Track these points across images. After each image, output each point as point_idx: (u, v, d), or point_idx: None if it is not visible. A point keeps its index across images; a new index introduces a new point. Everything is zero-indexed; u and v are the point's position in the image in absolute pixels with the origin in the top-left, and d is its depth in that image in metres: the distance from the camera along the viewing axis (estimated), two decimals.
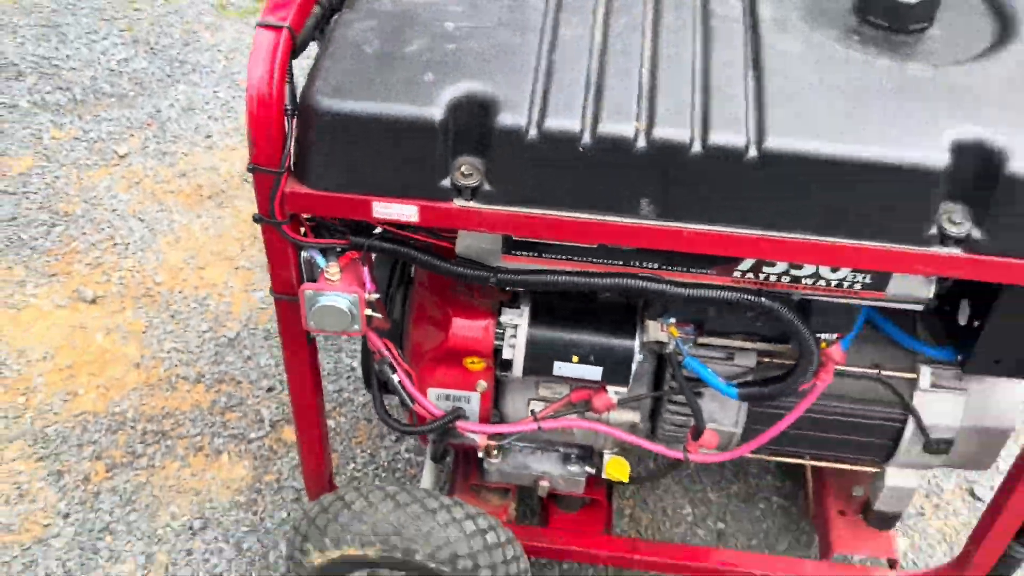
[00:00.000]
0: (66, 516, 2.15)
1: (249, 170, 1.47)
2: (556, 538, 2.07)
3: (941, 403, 1.83)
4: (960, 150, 1.39)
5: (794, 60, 1.52)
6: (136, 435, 2.29)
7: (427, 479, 2.08)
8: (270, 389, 2.40)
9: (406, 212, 1.47)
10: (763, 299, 1.58)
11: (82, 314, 2.52)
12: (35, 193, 2.77)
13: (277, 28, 1.45)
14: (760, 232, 1.46)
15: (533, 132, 1.38)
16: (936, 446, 1.84)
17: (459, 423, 1.79)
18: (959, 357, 1.76)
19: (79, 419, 2.31)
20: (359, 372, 2.43)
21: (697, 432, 1.79)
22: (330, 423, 2.27)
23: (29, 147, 2.91)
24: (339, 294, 1.56)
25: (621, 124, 1.40)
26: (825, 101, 1.47)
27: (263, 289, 2.58)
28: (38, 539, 2.11)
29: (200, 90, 3.11)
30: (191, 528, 2.15)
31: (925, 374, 1.81)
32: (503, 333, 1.75)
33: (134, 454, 2.26)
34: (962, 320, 1.73)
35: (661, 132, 1.39)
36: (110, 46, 3.27)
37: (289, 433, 2.31)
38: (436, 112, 1.38)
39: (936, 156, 1.39)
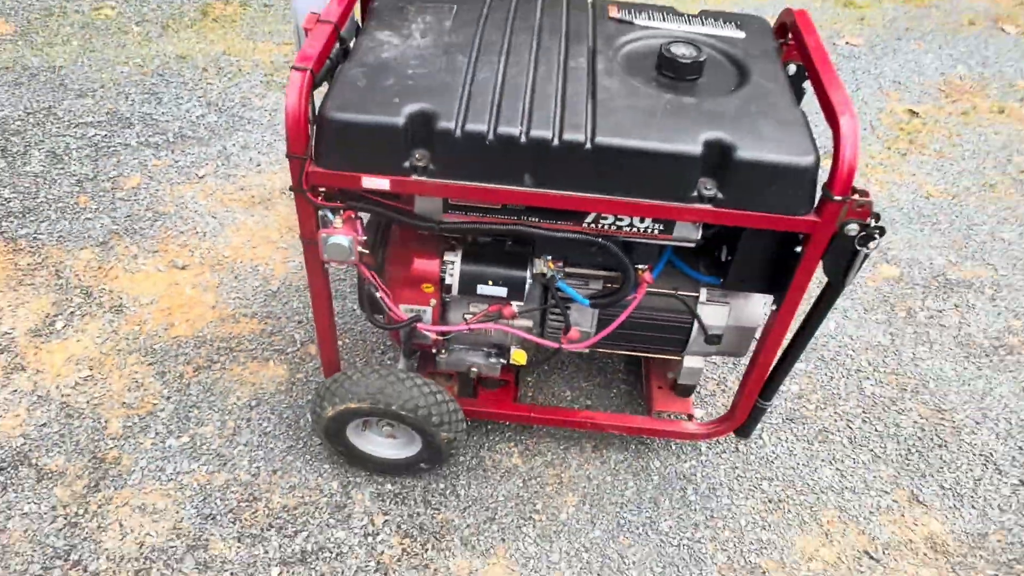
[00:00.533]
0: (168, 398, 2.32)
1: (287, 157, 1.60)
2: (482, 405, 2.16)
3: (713, 310, 1.93)
4: (708, 145, 1.54)
5: (614, 93, 1.64)
6: (213, 350, 2.46)
7: (399, 363, 2.15)
8: (299, 322, 2.56)
9: (381, 183, 1.62)
10: (600, 240, 1.73)
11: (175, 276, 2.69)
12: (142, 200, 2.94)
13: (303, 70, 1.57)
14: (594, 195, 1.60)
15: (459, 132, 1.55)
16: (712, 339, 1.97)
17: (419, 324, 1.92)
18: (721, 280, 1.86)
19: (175, 340, 2.48)
20: (357, 313, 2.55)
21: (567, 330, 1.92)
22: (338, 343, 2.39)
23: (137, 171, 3.08)
24: (342, 236, 1.70)
25: (511, 128, 1.54)
26: (631, 116, 1.58)
27: (296, 260, 2.74)
28: (150, 411, 2.30)
29: (252, 136, 3.29)
30: (249, 405, 2.32)
31: (703, 292, 1.92)
32: (445, 268, 1.86)
33: (211, 361, 2.42)
34: (722, 258, 1.87)
35: (535, 133, 1.54)
36: (191, 107, 3.42)
37: (312, 349, 2.47)
38: (400, 120, 1.55)
39: (695, 148, 1.53)
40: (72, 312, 2.49)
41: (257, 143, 3.21)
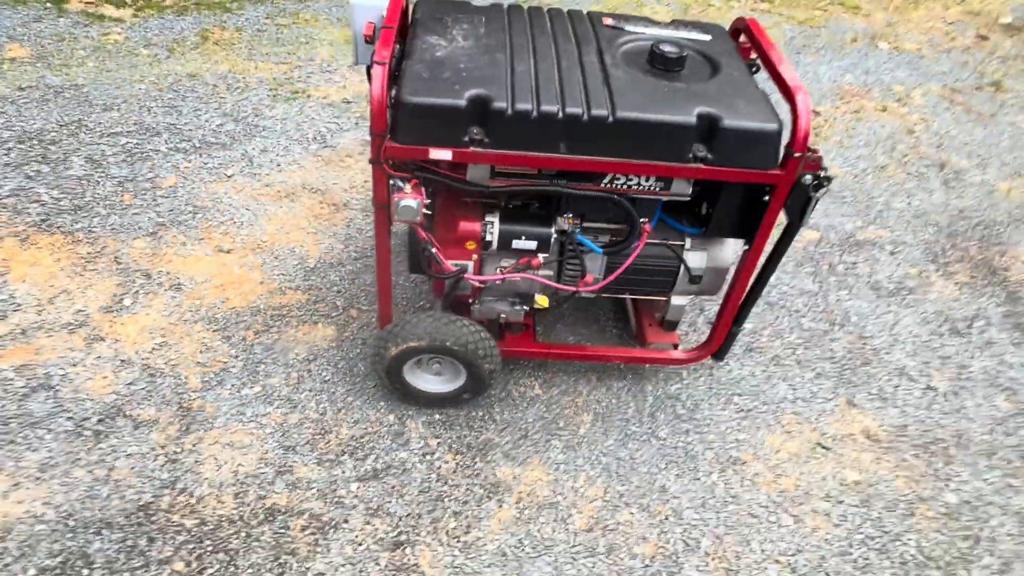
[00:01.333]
0: (236, 357, 2.46)
1: (370, 135, 1.82)
2: (511, 346, 2.35)
3: (695, 255, 2.18)
4: (700, 116, 1.83)
5: (623, 80, 1.91)
6: (267, 317, 2.61)
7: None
8: (339, 291, 2.73)
9: (445, 154, 1.85)
10: (615, 196, 2.01)
11: (223, 258, 2.80)
12: (181, 196, 3.05)
13: (383, 63, 1.79)
14: (614, 159, 1.87)
15: (510, 111, 1.80)
16: (694, 279, 2.23)
17: (465, 275, 2.16)
18: (703, 230, 2.14)
19: (233, 310, 2.62)
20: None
21: (583, 275, 2.18)
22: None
23: (172, 172, 3.18)
24: (412, 200, 1.92)
25: (550, 106, 1.81)
26: (639, 96, 1.85)
27: (326, 243, 2.91)
28: (223, 368, 2.45)
29: (269, 141, 3.43)
30: (308, 359, 2.49)
31: (687, 241, 2.18)
32: (486, 228, 2.09)
33: (268, 326, 2.57)
34: (702, 211, 2.15)
35: (569, 110, 1.81)
36: (211, 117, 3.53)
37: (354, 312, 2.66)
38: (462, 102, 1.79)
39: (690, 119, 1.82)
40: (136, 291, 2.62)
41: (274, 147, 3.37)
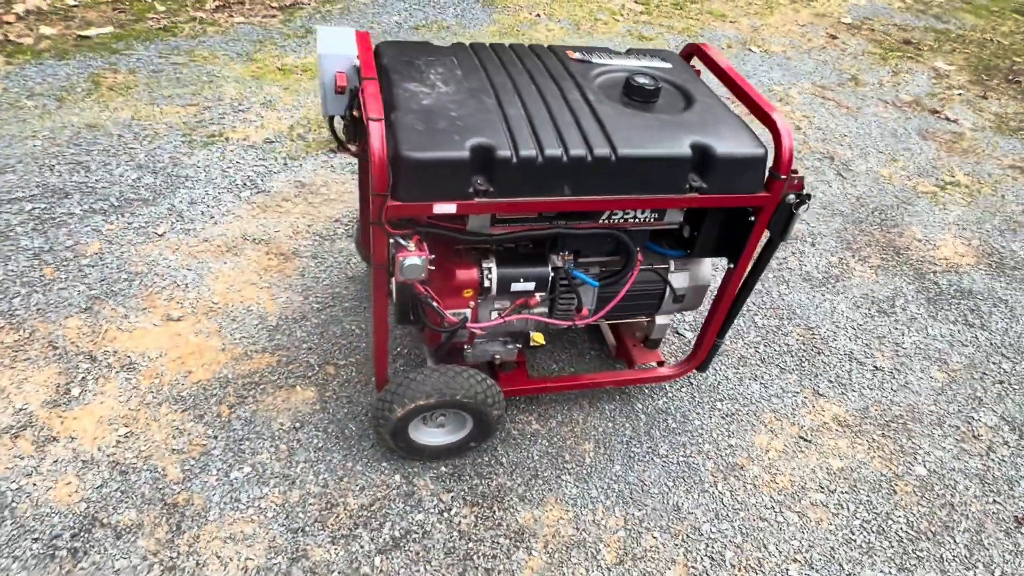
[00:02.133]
0: (215, 437, 2.17)
1: (372, 195, 1.61)
2: (508, 385, 2.20)
3: (678, 276, 2.14)
4: (693, 147, 1.76)
5: (611, 117, 1.80)
6: (239, 387, 2.32)
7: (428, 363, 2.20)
8: (309, 348, 2.48)
9: (449, 208, 1.69)
10: (615, 232, 1.91)
11: (174, 327, 2.47)
12: (110, 263, 2.67)
13: (379, 120, 1.59)
14: (616, 196, 1.77)
15: (515, 159, 1.65)
16: (678, 299, 2.18)
17: (468, 324, 1.99)
18: (687, 252, 2.08)
19: (199, 385, 2.30)
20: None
21: (579, 308, 2.08)
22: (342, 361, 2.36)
23: (94, 237, 2.78)
24: (416, 257, 1.73)
25: (554, 151, 1.68)
26: (634, 132, 1.75)
27: (283, 296, 2.64)
28: (203, 452, 2.14)
29: (196, 191, 3.07)
30: (294, 428, 2.23)
31: (671, 264, 2.13)
32: (483, 274, 1.93)
33: (242, 397, 2.28)
34: (686, 234, 2.08)
35: (572, 152, 1.69)
36: (124, 171, 3.13)
37: (331, 370, 2.41)
38: (466, 154, 1.63)
39: (685, 151, 1.74)
40: (83, 378, 2.24)
41: (203, 198, 3.01)
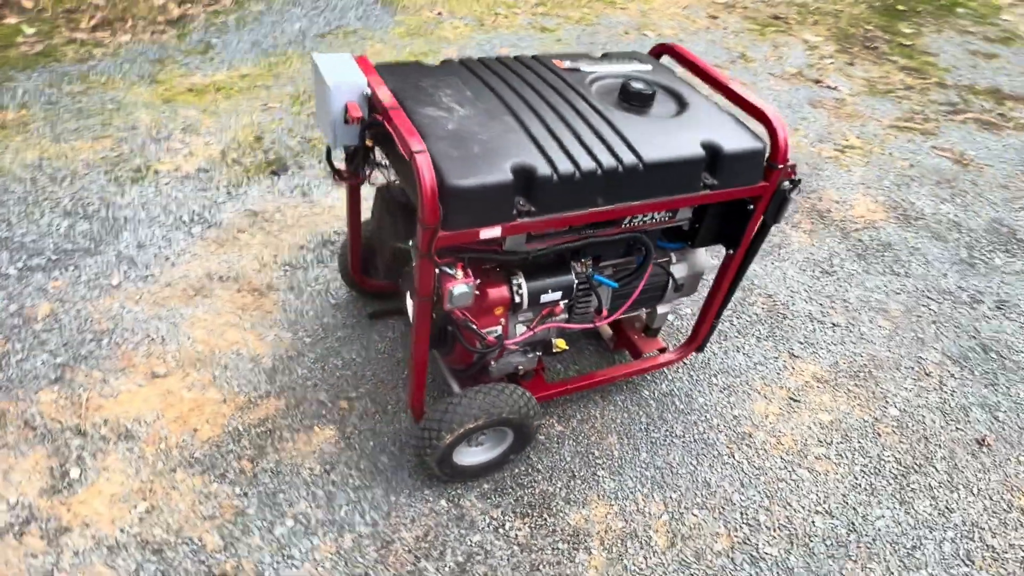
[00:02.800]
0: (245, 495, 2.02)
1: (422, 228, 1.57)
2: (535, 392, 2.10)
3: (679, 267, 2.22)
4: (704, 147, 1.83)
5: (626, 124, 1.82)
6: (254, 437, 2.17)
7: (455, 387, 2.17)
8: (315, 385, 2.36)
9: (495, 231, 1.67)
10: (636, 234, 1.96)
11: (163, 385, 2.27)
12: (68, 325, 2.40)
13: (423, 151, 1.55)
14: (643, 201, 1.81)
15: (555, 177, 1.66)
16: (679, 288, 2.27)
17: (506, 341, 1.98)
18: (687, 243, 2.15)
19: (209, 442, 2.13)
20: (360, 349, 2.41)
21: (599, 310, 2.12)
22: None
23: (41, 297, 2.50)
24: (464, 284, 1.71)
25: (589, 165, 1.70)
26: (652, 138, 1.79)
27: (270, 334, 2.48)
28: (237, 512, 2.00)
29: (141, 233, 2.82)
30: (325, 471, 2.13)
31: (672, 256, 2.20)
32: (514, 290, 1.92)
33: (261, 448, 2.14)
34: (685, 227, 2.15)
35: (606, 165, 1.71)
36: (52, 220, 2.82)
37: (345, 404, 2.31)
38: (509, 178, 1.62)
39: (699, 151, 1.80)
40: (78, 456, 2.01)
41: (151, 240, 2.77)
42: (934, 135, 4.50)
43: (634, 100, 1.96)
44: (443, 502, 2.07)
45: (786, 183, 2.01)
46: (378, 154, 1.91)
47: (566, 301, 2.03)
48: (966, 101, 5.05)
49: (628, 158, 1.75)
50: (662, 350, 2.49)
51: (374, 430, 2.23)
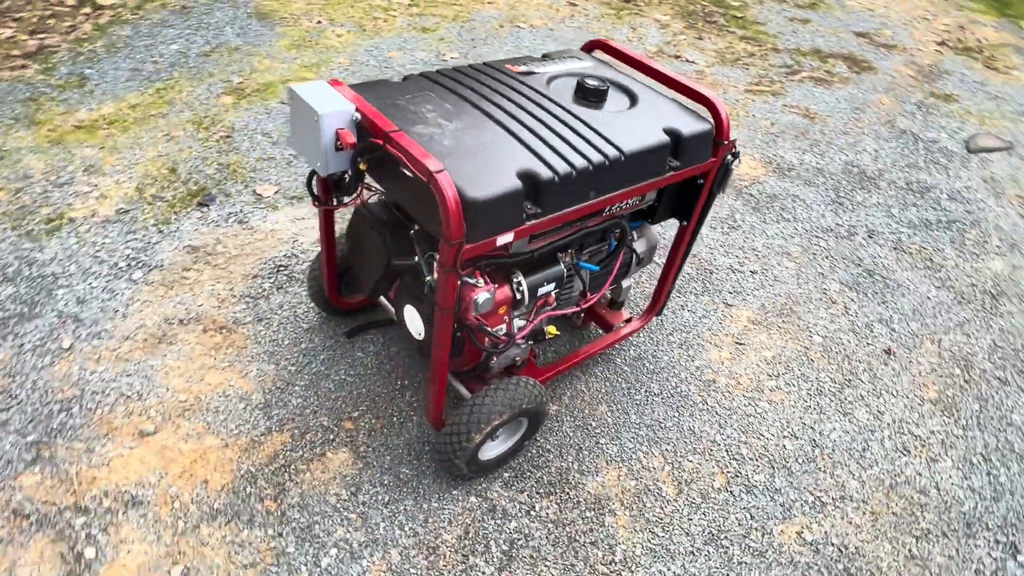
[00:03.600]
0: (280, 535, 1.91)
1: (448, 245, 1.54)
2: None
3: (640, 242, 2.30)
4: (668, 133, 1.93)
5: (598, 120, 1.89)
6: (269, 476, 2.05)
7: (463, 390, 2.18)
8: (314, 411, 2.25)
9: (508, 237, 1.67)
10: (617, 220, 2.02)
11: (155, 442, 2.08)
12: (28, 399, 2.13)
13: (442, 171, 1.52)
14: (625, 189, 1.87)
15: (556, 179, 1.69)
16: (640, 261, 2.37)
17: (516, 336, 1.98)
18: (647, 221, 2.26)
19: (225, 490, 1.99)
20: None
21: (584, 294, 2.17)
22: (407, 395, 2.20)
23: None
24: (486, 292, 1.71)
25: (582, 163, 1.74)
26: (624, 130, 1.86)
27: (252, 369, 2.33)
28: (278, 554, 1.90)
29: (78, 288, 2.53)
30: (352, 494, 2.04)
31: (633, 234, 2.27)
32: (516, 288, 1.94)
33: (280, 485, 2.02)
34: (645, 207, 2.25)
35: (595, 160, 1.76)
36: None
37: (349, 424, 2.22)
38: (519, 184, 1.63)
39: (665, 138, 1.90)
40: (88, 534, 1.80)
41: (92, 293, 2.47)
42: (783, 95, 4.94)
43: (592, 96, 2.01)
44: (472, 498, 2.07)
45: (728, 156, 2.15)
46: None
47: (557, 290, 2.07)
48: (798, 62, 5.56)
49: (611, 152, 1.80)
50: (627, 320, 2.60)
51: (386, 444, 2.16)
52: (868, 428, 2.52)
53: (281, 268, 2.75)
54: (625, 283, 2.50)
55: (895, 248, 3.49)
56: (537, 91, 1.99)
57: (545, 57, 2.28)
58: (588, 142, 1.81)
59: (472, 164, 1.63)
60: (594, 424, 2.36)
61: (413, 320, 2.00)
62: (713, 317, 2.91)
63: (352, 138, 1.66)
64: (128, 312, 2.44)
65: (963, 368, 2.84)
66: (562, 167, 1.70)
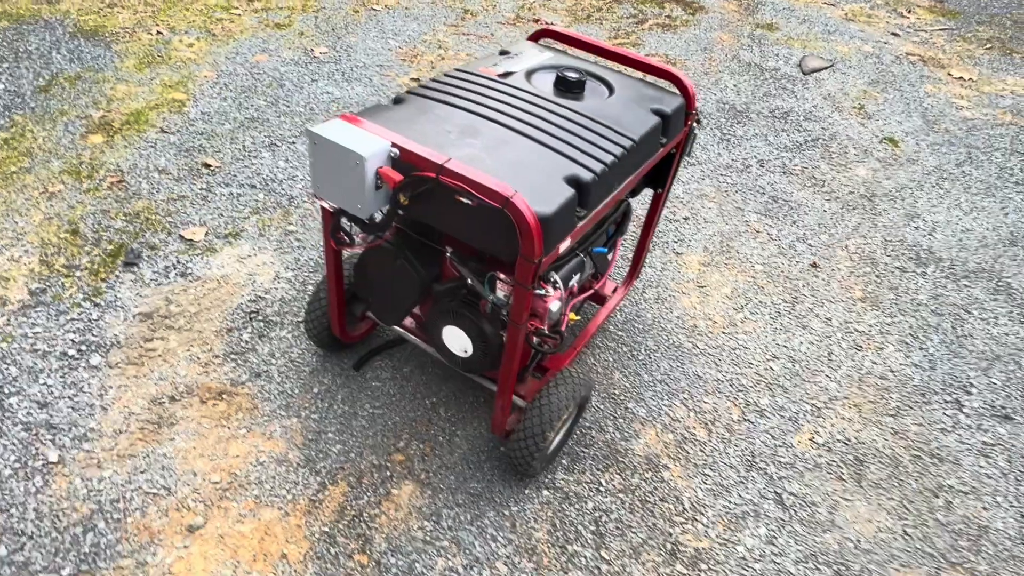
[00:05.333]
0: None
1: (528, 263, 1.58)
2: (560, 363, 2.24)
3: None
4: (656, 113, 2.07)
5: (594, 111, 1.98)
6: (344, 530, 1.99)
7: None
8: (359, 454, 2.18)
9: (567, 243, 1.74)
10: (623, 201, 2.13)
11: (210, 534, 1.94)
12: (39, 529, 1.89)
13: (516, 193, 1.54)
14: (636, 172, 1.99)
15: (596, 178, 1.76)
16: (620, 232, 2.52)
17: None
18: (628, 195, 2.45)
19: (307, 557, 1.92)
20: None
21: (596, 276, 2.28)
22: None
23: None
24: (560, 298, 1.76)
25: (605, 156, 1.82)
26: (624, 117, 1.97)
27: (275, 429, 2.20)
28: None
29: (29, 392, 2.21)
30: (434, 522, 2.03)
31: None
32: (552, 285, 1.97)
33: (360, 535, 1.98)
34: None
35: (616, 152, 1.85)
36: None
37: (399, 457, 2.19)
38: (571, 191, 1.69)
39: (656, 118, 2.04)
40: None
41: (51, 392, 2.15)
42: (640, 45, 5.26)
43: (575, 88, 2.08)
44: (544, 492, 2.14)
45: (694, 123, 2.33)
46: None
47: (579, 278, 2.16)
48: (641, 11, 5.92)
49: (626, 141, 1.91)
50: (614, 290, 2.75)
51: (444, 465, 2.16)
52: (825, 335, 2.91)
53: (253, 315, 2.56)
54: (610, 255, 2.63)
55: (784, 172, 3.95)
56: (527, 92, 2.02)
57: (503, 53, 2.30)
58: (605, 137, 1.89)
59: (523, 180, 1.66)
60: (616, 392, 2.52)
61: (456, 339, 2.00)
62: (671, 267, 3.15)
63: (398, 175, 1.61)
64: (107, 403, 2.17)
65: (871, 265, 3.34)
66: (597, 166, 1.78)
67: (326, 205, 1.78)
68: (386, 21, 5.06)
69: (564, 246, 1.71)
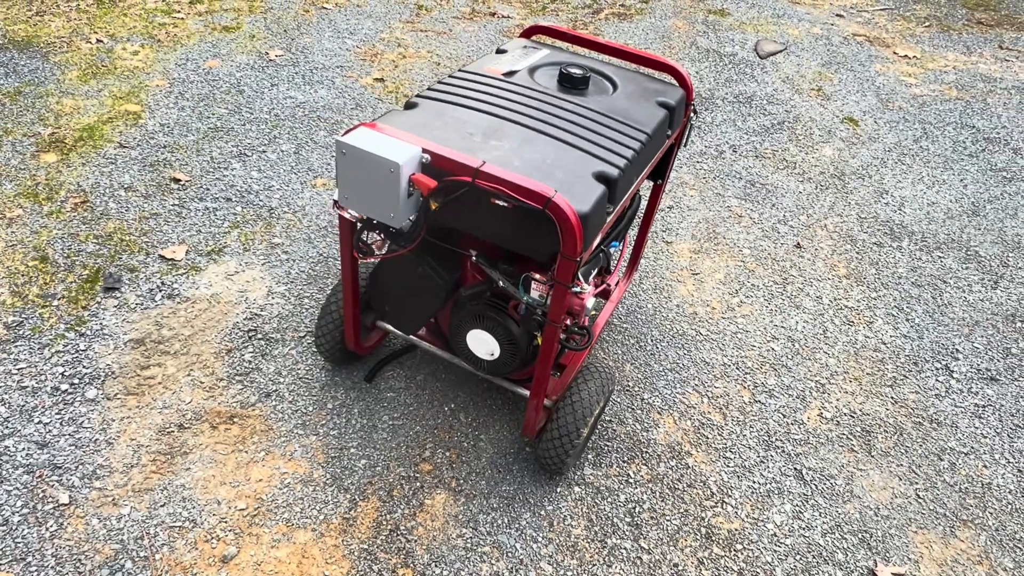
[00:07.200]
0: None
1: (570, 261, 1.63)
2: (579, 358, 2.32)
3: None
4: (662, 105, 2.15)
5: (607, 105, 2.05)
6: (383, 545, 1.99)
7: (520, 390, 2.22)
8: (385, 467, 2.19)
9: (599, 237, 1.80)
10: (636, 193, 2.20)
11: (246, 562, 1.92)
12: (63, 563, 1.80)
13: (557, 193, 1.58)
14: (650, 163, 2.07)
15: (621, 173, 1.82)
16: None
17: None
18: None
19: (354, 574, 1.89)
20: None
21: (609, 270, 2.35)
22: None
23: None
24: (595, 294, 1.81)
25: (626, 151, 1.89)
26: (633, 110, 2.04)
27: (296, 448, 2.19)
28: None
29: (24, 432, 2.12)
30: (472, 528, 2.06)
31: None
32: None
33: (400, 549, 1.99)
34: None
35: (635, 146, 1.92)
36: None
37: (426, 467, 2.21)
38: (602, 188, 1.74)
39: (663, 111, 2.12)
40: None
41: (48, 430, 2.07)
42: (601, 34, 5.37)
43: (580, 84, 2.14)
44: (576, 488, 2.20)
45: (692, 113, 2.43)
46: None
47: (595, 273, 2.23)
48: (596, 1, 6.04)
49: (642, 135, 1.97)
50: (617, 283, 2.83)
51: (473, 470, 2.19)
52: (818, 313, 3.07)
53: (252, 333, 2.52)
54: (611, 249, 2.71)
55: (757, 156, 4.12)
56: (537, 91, 2.07)
57: (499, 52, 2.34)
58: (622, 132, 1.96)
59: (555, 179, 1.70)
60: (630, 384, 2.60)
61: (482, 343, 2.03)
62: (664, 257, 3.26)
63: (432, 181, 1.63)
64: (111, 437, 2.11)
65: (851, 243, 3.54)
66: (621, 161, 1.84)
67: (349, 215, 1.78)
68: (339, 20, 5.01)
69: (596, 241, 1.76)
